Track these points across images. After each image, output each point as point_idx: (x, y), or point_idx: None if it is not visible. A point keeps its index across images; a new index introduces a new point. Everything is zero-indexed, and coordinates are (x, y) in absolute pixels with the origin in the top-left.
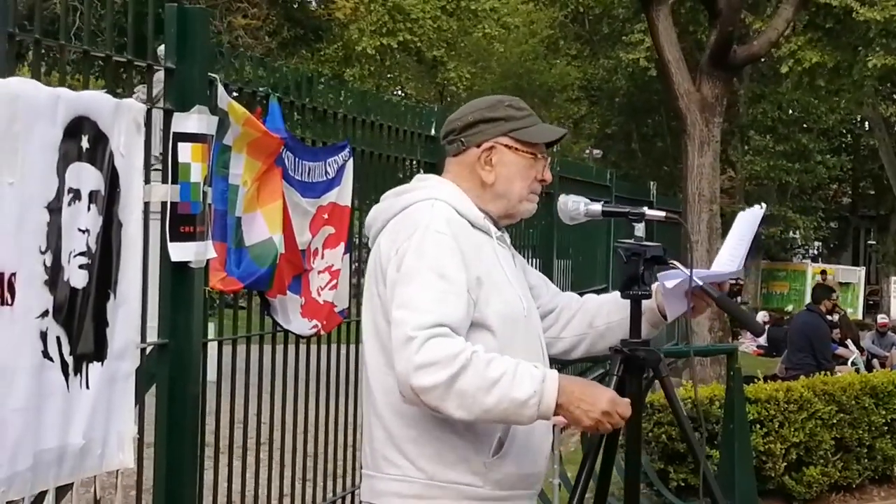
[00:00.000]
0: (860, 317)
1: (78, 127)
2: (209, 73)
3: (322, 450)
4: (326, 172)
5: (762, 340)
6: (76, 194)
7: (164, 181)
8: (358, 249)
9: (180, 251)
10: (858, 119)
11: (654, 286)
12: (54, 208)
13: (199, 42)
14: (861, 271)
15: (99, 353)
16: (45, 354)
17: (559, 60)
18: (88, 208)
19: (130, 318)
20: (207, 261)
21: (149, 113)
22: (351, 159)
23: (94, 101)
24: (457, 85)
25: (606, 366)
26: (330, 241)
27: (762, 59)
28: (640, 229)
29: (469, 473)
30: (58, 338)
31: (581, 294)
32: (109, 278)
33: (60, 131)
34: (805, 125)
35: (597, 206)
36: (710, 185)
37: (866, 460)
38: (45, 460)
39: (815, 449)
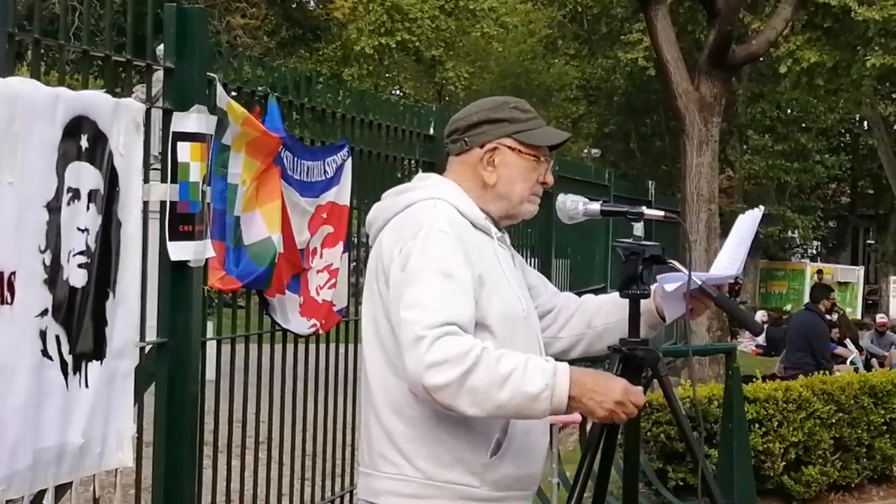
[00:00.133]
0: (859, 316)
1: (77, 126)
2: (208, 73)
3: (321, 449)
4: (325, 172)
5: (761, 340)
6: (75, 193)
7: (164, 180)
8: (356, 249)
9: (179, 250)
10: (857, 118)
11: (653, 287)
12: (54, 207)
13: (198, 42)
14: (860, 271)
15: (98, 352)
16: (45, 353)
17: (557, 60)
18: (88, 207)
19: (129, 317)
20: (206, 260)
21: (148, 112)
22: (349, 159)
23: (94, 101)
24: (455, 84)
25: (605, 365)
26: (328, 241)
27: (761, 59)
28: (638, 229)
29: (466, 474)
30: (57, 337)
31: (579, 294)
32: (108, 277)
33: (60, 131)
34: (804, 125)
35: (595, 206)
36: (709, 184)
37: (865, 460)
38: (45, 459)
39: (813, 448)
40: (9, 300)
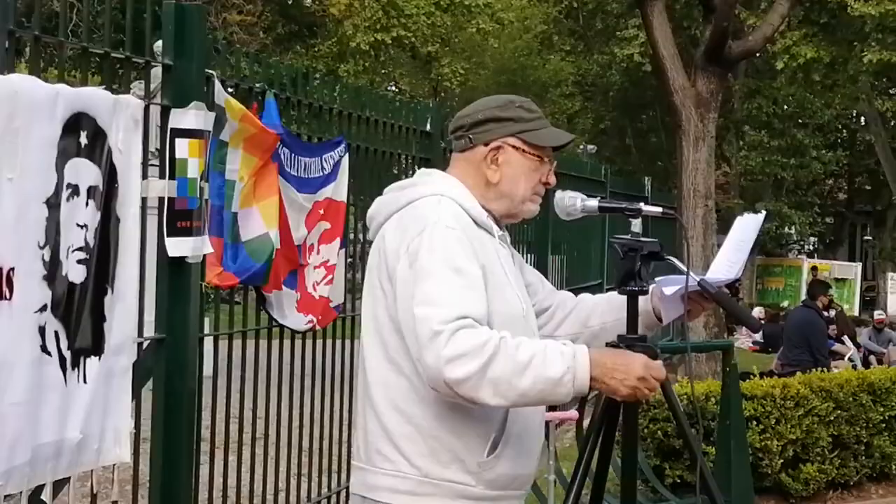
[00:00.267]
0: (856, 313)
1: (77, 123)
2: (206, 70)
3: (317, 445)
4: (322, 168)
5: (758, 336)
6: (75, 190)
7: (162, 177)
8: (353, 245)
9: (177, 246)
10: (854, 114)
11: (651, 288)
12: (53, 204)
13: (196, 39)
14: (857, 267)
15: (96, 347)
16: (44, 349)
17: (553, 56)
18: (87, 204)
19: (128, 313)
20: (204, 256)
21: (146, 109)
22: (346, 155)
23: (93, 98)
24: (451, 81)
25: None
26: (325, 237)
27: (757, 55)
28: (636, 225)
29: (463, 472)
30: (56, 332)
31: (576, 290)
32: (107, 273)
33: (59, 127)
34: (800, 120)
35: (593, 202)
36: (706, 180)
37: (864, 458)
38: (43, 454)
39: (812, 446)
40: (8, 296)
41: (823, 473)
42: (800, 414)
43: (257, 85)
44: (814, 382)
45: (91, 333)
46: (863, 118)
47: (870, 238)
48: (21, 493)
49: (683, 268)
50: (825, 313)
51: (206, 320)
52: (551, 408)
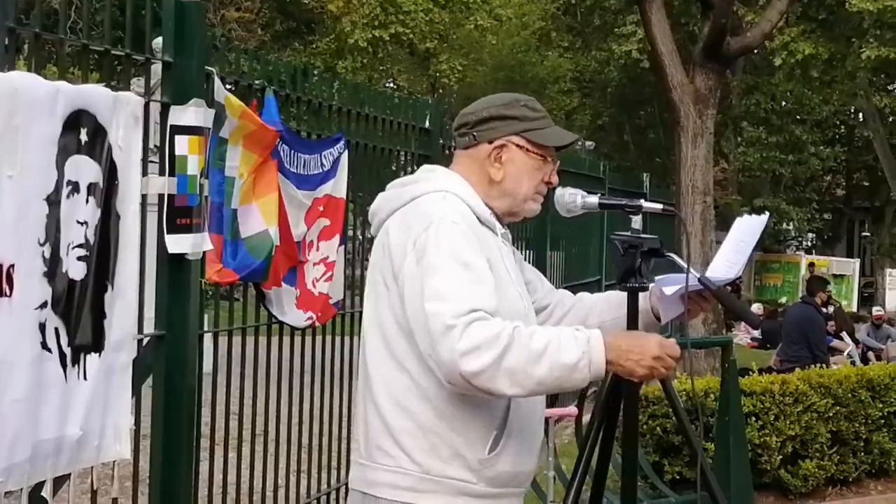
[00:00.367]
0: (855, 309)
1: (77, 120)
2: (206, 67)
3: (317, 441)
4: (322, 164)
5: (756, 333)
6: (75, 187)
7: (162, 173)
8: (353, 242)
9: (177, 243)
10: (852, 110)
11: (651, 288)
12: (53, 201)
13: (195, 36)
14: (855, 263)
15: (97, 344)
16: (44, 346)
17: (551, 52)
18: (87, 201)
19: (128, 310)
20: (204, 253)
21: (146, 106)
22: (346, 152)
23: (93, 95)
24: (449, 77)
25: None
26: (325, 233)
27: (756, 51)
28: (637, 221)
29: (464, 470)
30: (56, 329)
31: (574, 287)
32: (107, 270)
33: (60, 124)
34: (798, 116)
35: (594, 199)
36: (704, 176)
37: (863, 454)
38: (43, 451)
39: (811, 442)
40: (8, 293)
41: (822, 470)
42: (799, 410)
43: (256, 82)
44: (812, 379)
45: (91, 330)
46: (861, 114)
47: (868, 234)
48: (21, 489)
49: (684, 264)
50: (823, 309)
51: (206, 317)
52: (550, 404)
